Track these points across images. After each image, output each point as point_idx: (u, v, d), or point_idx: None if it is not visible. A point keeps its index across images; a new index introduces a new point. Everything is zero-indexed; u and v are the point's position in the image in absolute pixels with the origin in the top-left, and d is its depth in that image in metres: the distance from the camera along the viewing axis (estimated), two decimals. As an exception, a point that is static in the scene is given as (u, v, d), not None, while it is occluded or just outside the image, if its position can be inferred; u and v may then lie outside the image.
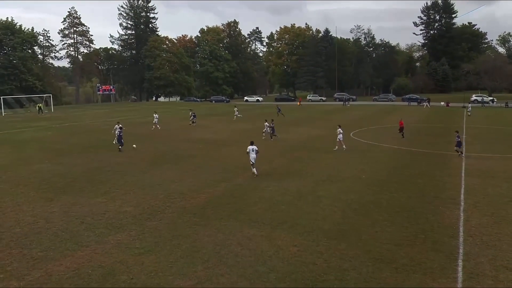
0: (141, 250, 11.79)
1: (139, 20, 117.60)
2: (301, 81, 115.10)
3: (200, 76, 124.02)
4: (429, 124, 44.48)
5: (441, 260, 11.11)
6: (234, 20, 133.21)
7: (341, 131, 27.95)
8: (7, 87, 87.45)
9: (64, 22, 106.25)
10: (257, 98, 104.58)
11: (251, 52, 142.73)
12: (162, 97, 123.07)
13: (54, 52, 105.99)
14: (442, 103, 76.92)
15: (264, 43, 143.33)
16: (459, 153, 25.24)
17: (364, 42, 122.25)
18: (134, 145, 29.21)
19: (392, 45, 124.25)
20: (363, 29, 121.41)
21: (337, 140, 28.08)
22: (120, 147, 28.45)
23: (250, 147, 20.91)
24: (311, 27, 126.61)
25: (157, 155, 26.80)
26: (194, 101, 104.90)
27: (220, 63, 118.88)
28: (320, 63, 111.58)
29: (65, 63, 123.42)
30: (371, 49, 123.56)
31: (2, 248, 11.97)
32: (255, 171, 20.61)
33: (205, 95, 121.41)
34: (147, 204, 15.99)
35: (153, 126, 41.30)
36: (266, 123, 33.74)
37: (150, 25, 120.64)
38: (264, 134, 33.58)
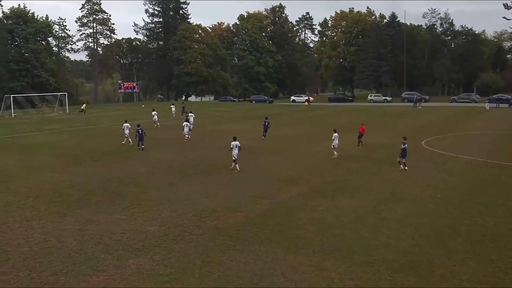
0: (166, 277, 11.97)
1: (168, 5, 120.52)
2: (360, 77, 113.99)
3: (238, 71, 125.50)
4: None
5: (538, 303, 10.60)
6: (280, 4, 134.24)
7: (337, 136, 28.75)
8: (17, 84, 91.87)
9: (83, 9, 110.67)
10: (306, 98, 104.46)
11: (300, 43, 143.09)
12: (193, 96, 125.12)
13: (70, 44, 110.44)
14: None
15: (316, 32, 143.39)
16: (401, 164, 25.33)
17: (440, 29, 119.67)
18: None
19: (476, 32, 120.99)
20: (439, 13, 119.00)
21: (332, 146, 28.90)
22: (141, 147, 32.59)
23: (233, 143, 24.77)
24: (373, 11, 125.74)
25: (186, 164, 27.27)
26: (231, 101, 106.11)
27: (262, 56, 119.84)
28: (385, 55, 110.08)
29: (82, 56, 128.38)
30: (449, 37, 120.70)
31: (8, 270, 12.50)
32: (237, 167, 24.61)
33: (244, 94, 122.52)
34: (173, 223, 16.26)
35: (155, 125, 47.34)
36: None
37: (180, 11, 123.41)
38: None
